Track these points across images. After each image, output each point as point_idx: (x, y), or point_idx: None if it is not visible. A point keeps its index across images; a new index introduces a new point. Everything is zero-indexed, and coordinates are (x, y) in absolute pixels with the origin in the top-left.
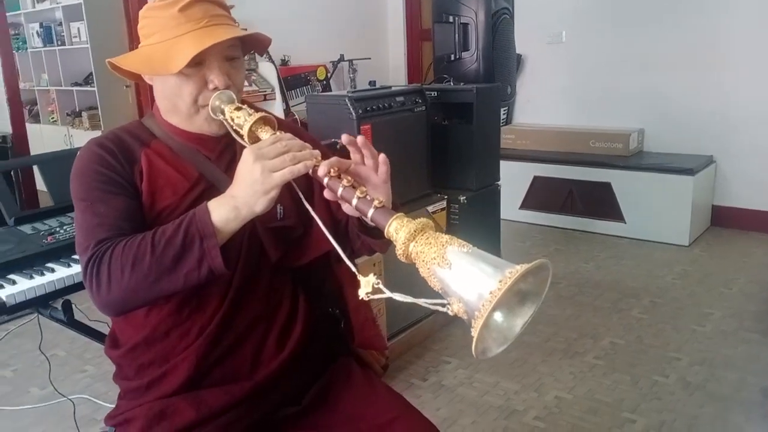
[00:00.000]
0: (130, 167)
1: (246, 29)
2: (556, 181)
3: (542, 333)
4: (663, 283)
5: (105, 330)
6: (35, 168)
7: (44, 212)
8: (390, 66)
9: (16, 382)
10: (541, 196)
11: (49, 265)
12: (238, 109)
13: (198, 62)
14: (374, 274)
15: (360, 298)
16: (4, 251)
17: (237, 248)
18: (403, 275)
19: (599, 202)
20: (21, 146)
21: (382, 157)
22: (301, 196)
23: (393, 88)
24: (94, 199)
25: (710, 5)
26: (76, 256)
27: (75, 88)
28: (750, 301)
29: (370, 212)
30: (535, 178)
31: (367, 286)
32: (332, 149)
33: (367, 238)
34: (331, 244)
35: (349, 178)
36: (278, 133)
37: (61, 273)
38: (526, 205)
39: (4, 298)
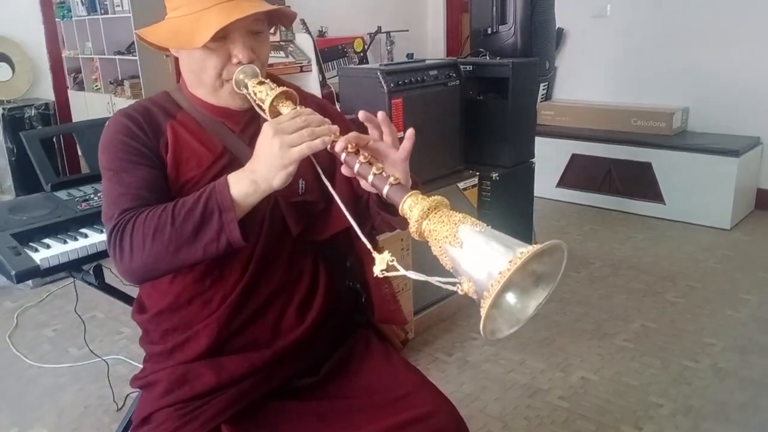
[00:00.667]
0: (155, 138)
1: (274, 3)
2: (595, 159)
3: (572, 313)
4: (701, 267)
5: (135, 295)
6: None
7: (80, 179)
8: (429, 38)
9: (57, 341)
10: (578, 174)
11: (83, 230)
12: (261, 83)
13: (223, 36)
14: (389, 252)
15: (375, 275)
16: (40, 216)
17: (259, 221)
18: (431, 252)
19: (638, 182)
20: (63, 113)
21: (410, 131)
22: (320, 172)
23: (427, 62)
24: (120, 169)
25: None
26: None
27: (117, 57)
28: None
29: (386, 189)
30: (574, 156)
31: (381, 263)
32: (357, 124)
33: (386, 215)
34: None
35: (366, 154)
36: (299, 107)
37: (94, 239)
38: (563, 183)
39: (39, 262)
